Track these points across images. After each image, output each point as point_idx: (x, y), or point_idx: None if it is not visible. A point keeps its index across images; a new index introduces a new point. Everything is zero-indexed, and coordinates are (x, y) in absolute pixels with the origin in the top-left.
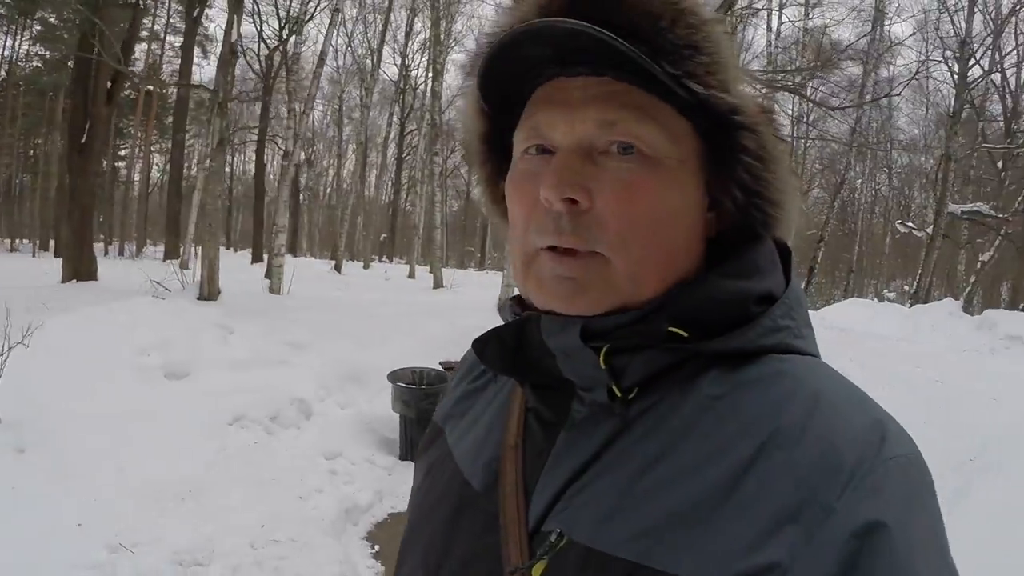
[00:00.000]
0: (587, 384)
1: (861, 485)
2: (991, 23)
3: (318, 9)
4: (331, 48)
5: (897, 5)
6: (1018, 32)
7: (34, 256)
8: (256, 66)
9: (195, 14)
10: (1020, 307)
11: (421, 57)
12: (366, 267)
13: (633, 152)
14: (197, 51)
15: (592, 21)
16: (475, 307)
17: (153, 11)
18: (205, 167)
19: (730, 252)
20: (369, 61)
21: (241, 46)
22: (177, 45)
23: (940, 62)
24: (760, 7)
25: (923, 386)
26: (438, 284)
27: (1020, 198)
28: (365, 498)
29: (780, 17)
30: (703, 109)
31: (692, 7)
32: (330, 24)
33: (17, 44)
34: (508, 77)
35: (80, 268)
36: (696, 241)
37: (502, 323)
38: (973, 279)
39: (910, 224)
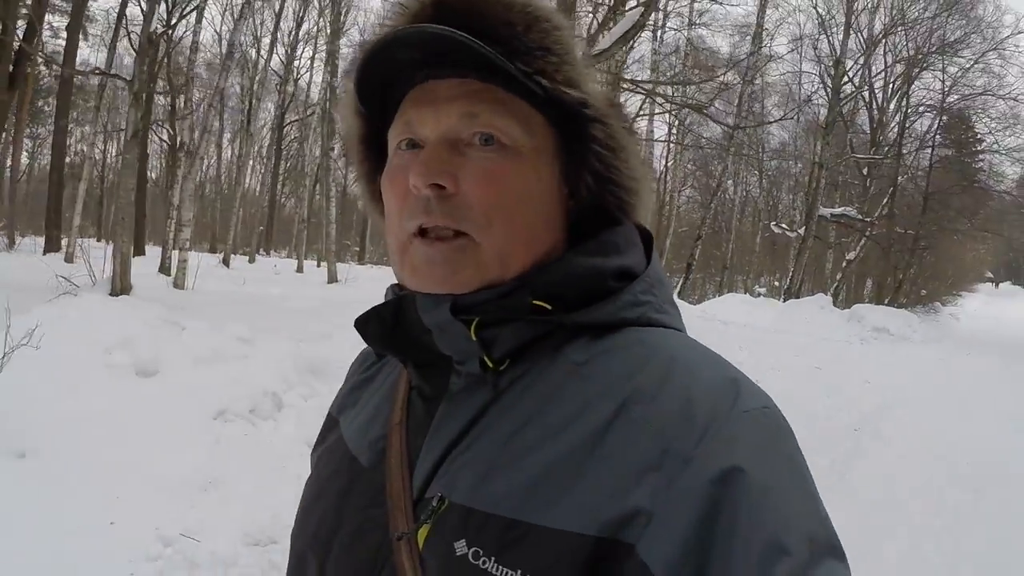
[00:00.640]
0: (461, 357)
1: (717, 435)
2: (863, 43)
3: None
4: (215, 35)
5: (777, 19)
6: (886, 51)
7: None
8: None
9: None
10: (885, 302)
11: (305, 47)
12: (251, 261)
13: (493, 142)
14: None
15: (456, 28)
16: (382, 300)
17: None
18: (91, 156)
19: (593, 234)
20: (254, 51)
21: (127, 28)
22: (54, 24)
23: (814, 74)
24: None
25: (804, 372)
26: (333, 278)
27: (884, 202)
28: None
29: (664, 25)
30: (555, 103)
31: (546, 15)
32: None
33: None
34: (382, 81)
35: None
36: (556, 223)
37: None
38: (840, 276)
39: (783, 226)
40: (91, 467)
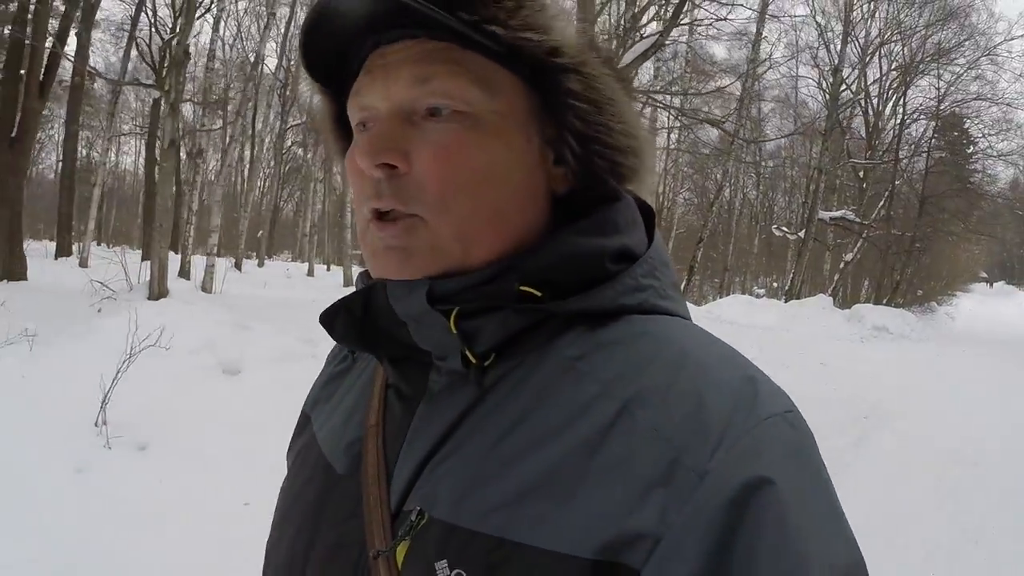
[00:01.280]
0: (441, 352)
1: (734, 446)
2: (859, 48)
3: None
4: (219, 40)
5: (778, 30)
6: (881, 58)
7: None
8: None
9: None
10: (884, 302)
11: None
12: (260, 265)
13: (443, 113)
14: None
15: None
16: None
17: None
18: (105, 162)
19: (585, 212)
20: (253, 55)
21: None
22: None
23: (809, 79)
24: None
25: (811, 367)
26: (349, 281)
27: (880, 204)
28: None
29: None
30: (520, 56)
31: None
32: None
33: None
34: (334, 53)
35: (12, 269)
36: (534, 198)
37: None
38: (837, 277)
39: (784, 228)
40: (209, 457)
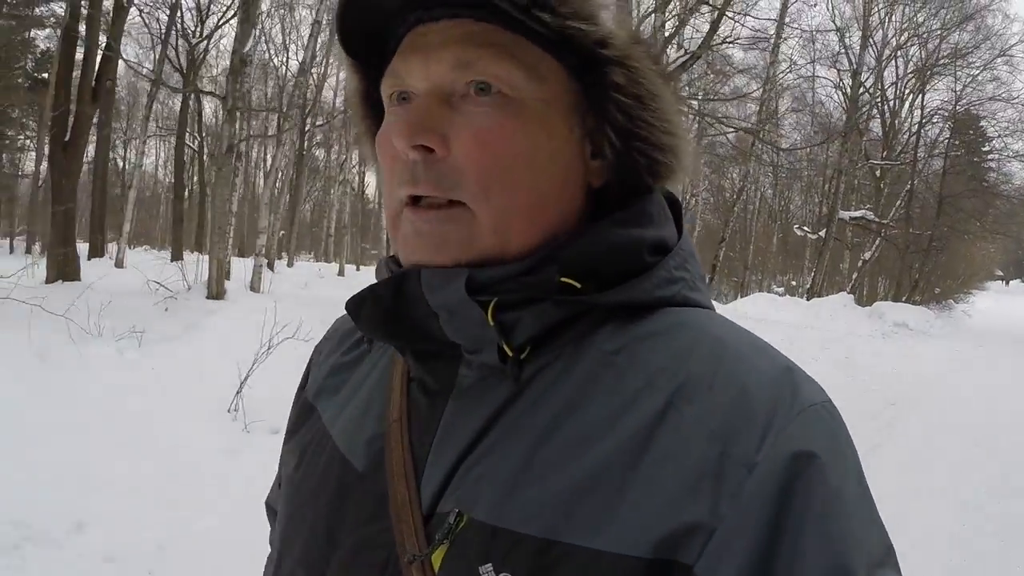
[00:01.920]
0: (474, 345)
1: (780, 436)
2: (876, 50)
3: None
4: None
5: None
6: (897, 57)
7: (11, 253)
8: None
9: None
10: (903, 299)
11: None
12: (290, 265)
13: (491, 92)
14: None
15: None
16: None
17: None
18: (140, 165)
19: (618, 204)
20: (277, 59)
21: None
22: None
23: (826, 79)
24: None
25: (838, 361)
26: None
27: (898, 204)
28: None
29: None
30: (568, 45)
31: None
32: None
33: None
34: (371, 28)
35: (65, 268)
36: (573, 189)
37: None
38: (856, 275)
39: (805, 228)
40: None
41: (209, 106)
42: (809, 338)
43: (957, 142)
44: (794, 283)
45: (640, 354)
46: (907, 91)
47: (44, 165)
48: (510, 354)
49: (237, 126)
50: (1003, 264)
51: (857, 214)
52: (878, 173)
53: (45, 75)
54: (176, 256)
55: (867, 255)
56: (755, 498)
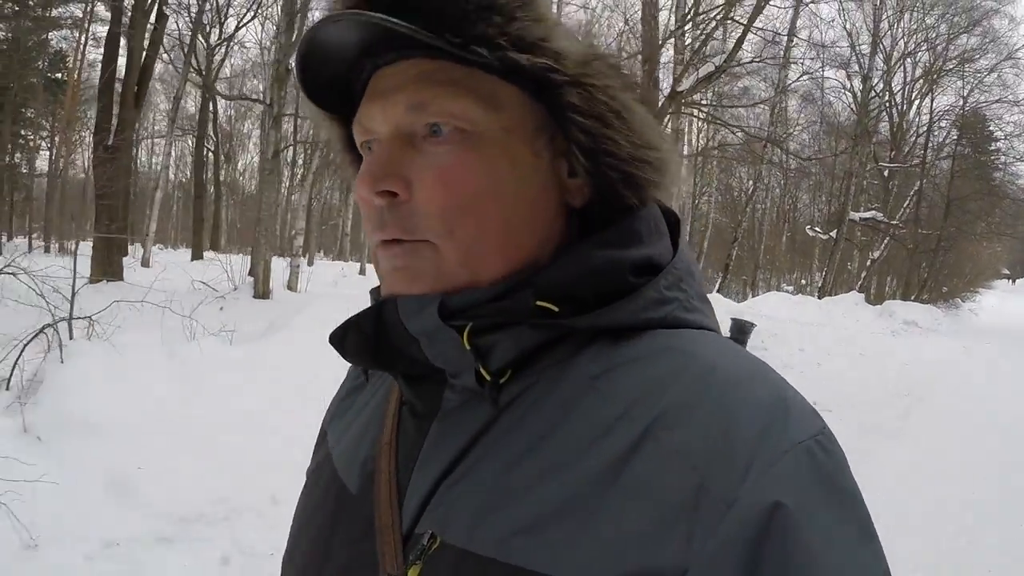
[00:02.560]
0: (455, 369)
1: (765, 475)
2: (884, 51)
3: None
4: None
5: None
6: (905, 60)
7: (46, 252)
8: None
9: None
10: (911, 298)
11: None
12: (310, 264)
13: (443, 132)
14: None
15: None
16: None
17: None
18: (167, 166)
19: (605, 223)
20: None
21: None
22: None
23: (835, 80)
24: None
25: (853, 356)
26: None
27: (906, 204)
28: None
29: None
30: (520, 72)
31: None
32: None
33: None
34: (335, 76)
35: (109, 269)
36: (547, 212)
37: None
38: (864, 274)
39: (817, 229)
40: None
41: (222, 107)
42: (825, 335)
43: (965, 141)
44: (803, 282)
45: (620, 380)
46: (915, 94)
47: (57, 164)
48: (488, 378)
49: (281, 131)
50: (1009, 263)
51: (867, 215)
52: (886, 174)
53: (59, 75)
54: (196, 255)
55: (875, 254)
56: (729, 543)
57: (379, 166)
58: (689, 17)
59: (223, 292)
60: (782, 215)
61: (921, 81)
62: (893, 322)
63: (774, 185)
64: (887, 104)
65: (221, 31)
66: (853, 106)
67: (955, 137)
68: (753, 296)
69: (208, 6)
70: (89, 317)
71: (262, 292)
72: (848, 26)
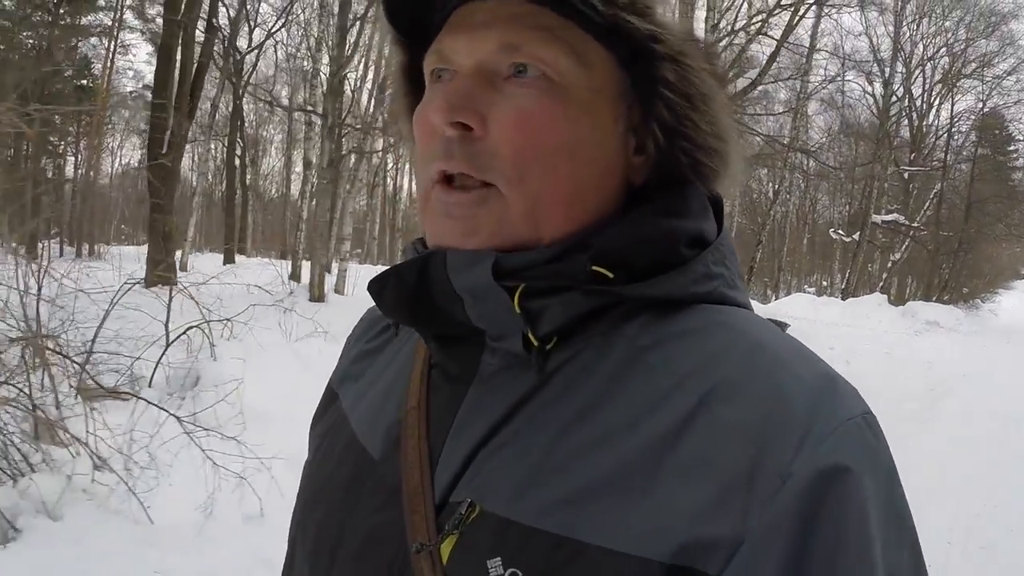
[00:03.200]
0: (499, 332)
1: (818, 447)
2: (904, 55)
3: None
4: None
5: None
6: (923, 61)
7: (89, 255)
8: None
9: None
10: (932, 299)
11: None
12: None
13: (528, 74)
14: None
15: None
16: None
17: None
18: (205, 172)
19: (656, 195)
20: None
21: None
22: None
23: (855, 83)
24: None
25: (879, 355)
26: None
27: (926, 207)
28: None
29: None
30: (619, 35)
31: None
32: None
33: None
34: (418, 3)
35: (164, 274)
36: (612, 183)
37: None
38: (885, 276)
39: (840, 232)
40: None
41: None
42: (851, 335)
43: (984, 144)
44: (824, 283)
45: (673, 352)
46: (935, 98)
47: (85, 170)
48: (535, 343)
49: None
50: None
51: (889, 218)
52: (906, 176)
53: (84, 81)
54: (228, 259)
55: (896, 256)
56: (786, 514)
57: (459, 97)
58: (724, 35)
59: (280, 296)
60: (802, 217)
61: (940, 85)
62: (916, 322)
63: (794, 188)
64: (907, 108)
65: (251, 39)
66: (874, 110)
67: (974, 140)
68: (776, 298)
69: (243, 12)
70: (228, 319)
71: (318, 296)
72: (869, 32)
